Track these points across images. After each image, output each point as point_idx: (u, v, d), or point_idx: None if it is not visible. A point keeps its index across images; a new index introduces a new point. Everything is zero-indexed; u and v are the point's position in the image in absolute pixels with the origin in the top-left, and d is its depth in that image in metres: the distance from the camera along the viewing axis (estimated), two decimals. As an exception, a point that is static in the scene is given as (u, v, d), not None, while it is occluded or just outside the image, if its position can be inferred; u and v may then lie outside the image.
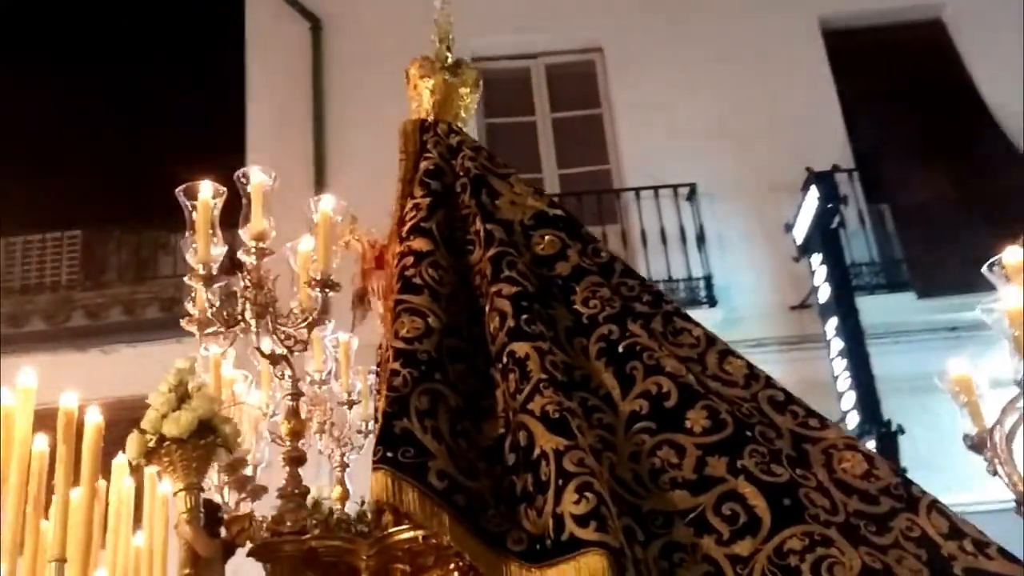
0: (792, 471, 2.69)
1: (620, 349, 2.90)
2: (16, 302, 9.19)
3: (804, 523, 2.58)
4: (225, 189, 2.93)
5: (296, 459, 2.71)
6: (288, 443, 2.74)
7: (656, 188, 10.10)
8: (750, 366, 2.98)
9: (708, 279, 9.88)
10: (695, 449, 2.71)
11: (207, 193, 2.81)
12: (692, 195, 10.15)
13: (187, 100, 10.38)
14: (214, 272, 2.78)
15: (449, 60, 3.55)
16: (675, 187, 10.13)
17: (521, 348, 2.73)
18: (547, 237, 3.16)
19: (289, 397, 2.80)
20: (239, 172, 2.98)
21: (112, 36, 10.88)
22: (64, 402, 2.45)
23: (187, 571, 2.45)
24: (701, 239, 10.05)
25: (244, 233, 2.86)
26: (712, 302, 9.56)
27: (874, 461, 2.77)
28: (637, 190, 10.17)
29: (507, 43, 10.72)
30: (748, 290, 9.95)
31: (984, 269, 2.72)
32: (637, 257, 10.04)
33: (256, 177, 2.92)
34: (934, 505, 2.67)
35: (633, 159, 10.42)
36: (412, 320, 2.73)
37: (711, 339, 3.04)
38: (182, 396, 2.46)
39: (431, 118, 3.45)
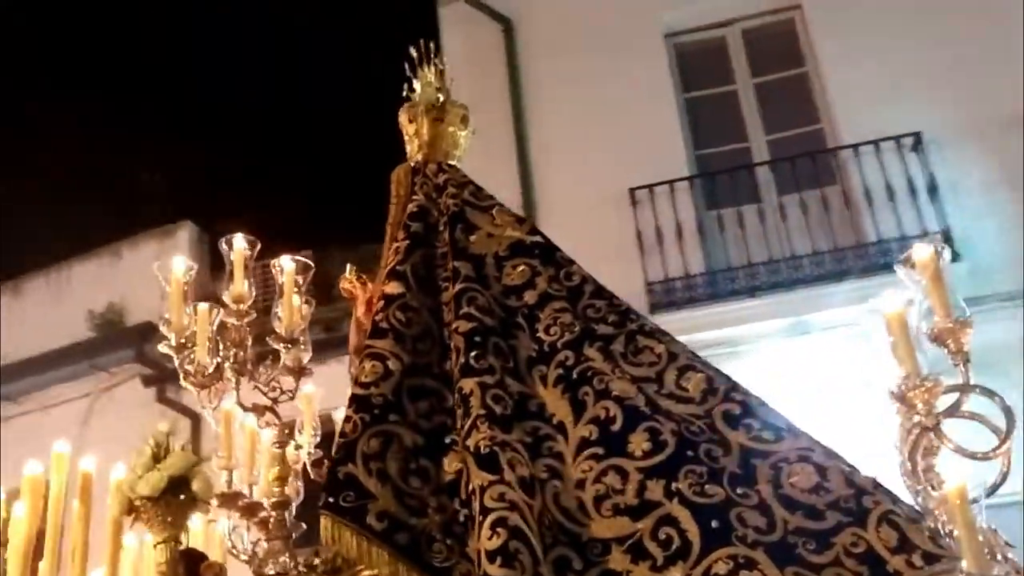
0: (731, 490, 2.77)
1: (574, 375, 3.08)
2: (259, 322, 10.30)
3: (731, 545, 2.66)
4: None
5: (282, 503, 3.11)
6: (276, 488, 3.15)
7: (876, 142, 9.73)
8: (710, 380, 3.06)
9: (946, 232, 9.39)
10: (636, 473, 2.85)
11: (179, 268, 3.28)
12: (918, 145, 9.68)
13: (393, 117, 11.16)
14: (184, 340, 3.22)
15: (436, 102, 3.80)
16: (897, 138, 9.71)
17: (467, 384, 2.98)
18: (519, 268, 3.37)
19: (276, 445, 3.20)
20: (222, 240, 3.43)
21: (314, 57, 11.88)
22: (84, 465, 3.01)
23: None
24: (933, 191, 9.57)
25: (226, 296, 3.29)
26: (954, 257, 9.10)
27: (827, 473, 2.78)
28: (855, 146, 9.84)
29: (700, 13, 10.69)
30: (993, 241, 9.39)
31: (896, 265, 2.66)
32: (863, 217, 9.74)
33: (238, 244, 3.35)
34: (886, 516, 2.65)
35: (847, 114, 10.07)
36: (372, 364, 3.05)
37: (672, 356, 3.14)
38: (158, 457, 2.93)
39: (421, 160, 3.75)
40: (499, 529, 2.63)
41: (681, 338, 9.92)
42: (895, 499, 2.73)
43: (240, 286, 3.26)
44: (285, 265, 3.36)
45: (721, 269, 9.88)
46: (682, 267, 9.79)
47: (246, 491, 3.27)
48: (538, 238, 3.51)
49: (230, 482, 3.25)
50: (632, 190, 9.97)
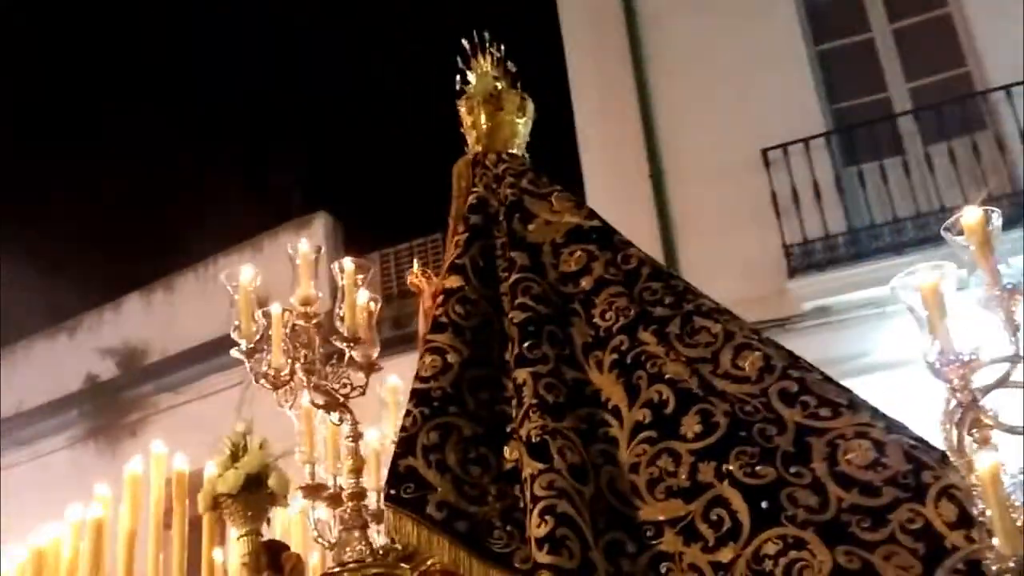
0: (783, 469, 2.80)
1: (628, 360, 3.15)
2: (396, 306, 10.66)
3: (780, 526, 2.70)
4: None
5: (357, 494, 3.30)
6: (351, 479, 3.34)
7: (1032, 82, 9.29)
8: (767, 358, 3.06)
9: (1115, 174, 8.93)
10: (688, 455, 2.91)
11: (247, 276, 3.50)
12: (1080, 82, 9.21)
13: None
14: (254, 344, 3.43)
15: (494, 91, 3.89)
16: (1056, 76, 9.25)
17: (521, 374, 3.09)
18: (575, 254, 3.45)
19: (349, 438, 3.39)
20: (290, 245, 3.63)
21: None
22: (178, 464, 3.28)
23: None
24: (1093, 130, 9.11)
25: (294, 299, 3.49)
26: (1116, 202, 8.69)
27: (885, 448, 2.77)
28: (1008, 88, 9.41)
29: (832, -40, 10.41)
30: None
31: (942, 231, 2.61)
32: (1017, 164, 9.35)
33: (303, 247, 3.54)
34: (946, 491, 2.63)
35: (998, 55, 9.62)
36: (432, 359, 3.20)
37: (729, 335, 3.16)
38: (236, 456, 3.17)
39: (480, 151, 3.86)
40: (547, 517, 2.74)
41: (824, 301, 9.84)
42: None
43: (307, 288, 3.45)
44: (346, 266, 3.51)
45: (864, 227, 9.64)
46: (822, 227, 9.60)
47: (330, 482, 3.46)
48: (596, 222, 3.58)
49: (313, 474, 3.45)
50: (764, 151, 9.81)
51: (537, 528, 2.75)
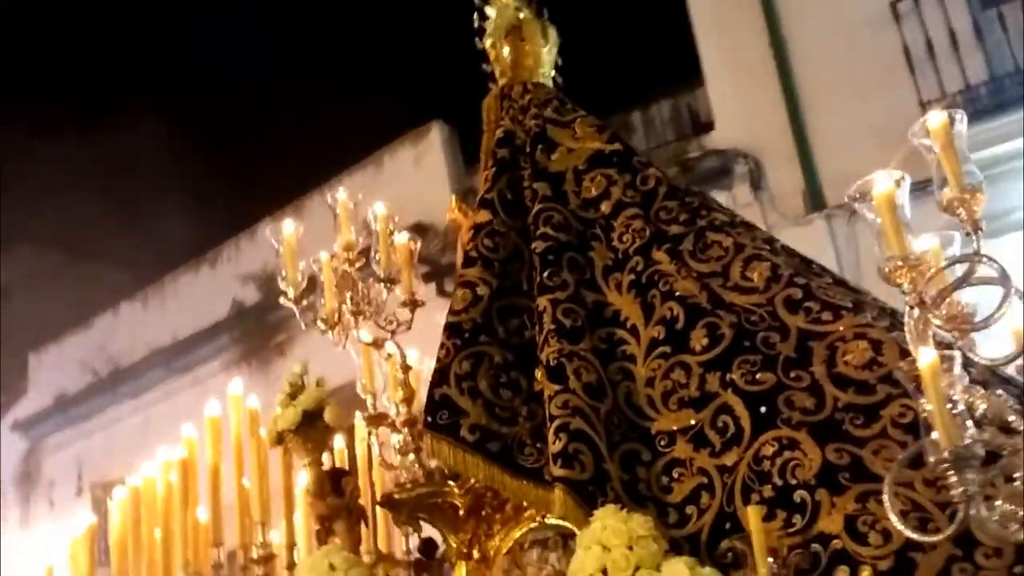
0: (783, 375, 3.05)
1: (643, 280, 3.42)
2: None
3: (776, 428, 2.97)
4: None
5: (409, 422, 3.69)
6: (404, 408, 3.74)
7: None
8: (774, 267, 3.29)
9: None
10: (698, 367, 3.20)
11: (288, 231, 3.90)
12: None
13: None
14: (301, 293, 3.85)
15: (516, 22, 4.12)
16: None
17: (542, 302, 3.42)
18: (596, 179, 3.71)
19: (401, 370, 3.79)
20: (330, 195, 4.01)
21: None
22: (250, 403, 3.78)
23: (316, 527, 3.64)
24: None
25: (336, 246, 3.88)
26: None
27: (882, 347, 2.98)
28: None
29: None
30: None
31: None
32: None
33: (341, 196, 3.92)
34: None
35: None
36: (463, 292, 3.55)
37: (739, 247, 3.38)
38: (293, 394, 3.61)
39: (507, 83, 4.11)
40: (560, 434, 3.10)
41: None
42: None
43: (347, 234, 3.84)
44: (377, 210, 3.87)
45: (1008, 74, 9.37)
46: (961, 80, 9.39)
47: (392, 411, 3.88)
48: (616, 146, 3.83)
49: (374, 405, 3.89)
50: (893, 3, 9.61)
51: (553, 445, 3.11)
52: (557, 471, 3.06)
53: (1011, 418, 2.49)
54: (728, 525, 2.95)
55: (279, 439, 3.62)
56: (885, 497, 2.44)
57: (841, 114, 9.76)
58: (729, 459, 3.04)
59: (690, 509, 3.05)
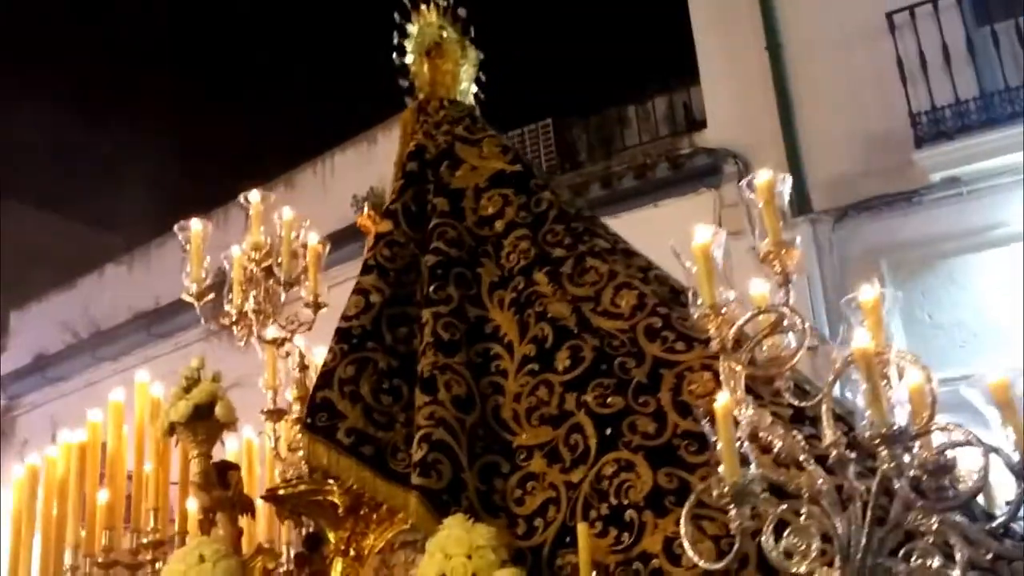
0: (632, 399, 3.33)
1: (522, 299, 3.71)
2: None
3: (617, 450, 3.26)
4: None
5: (301, 419, 3.97)
6: (297, 406, 4.05)
7: None
8: (641, 296, 3.57)
9: None
10: (559, 387, 3.48)
11: (197, 227, 4.19)
12: None
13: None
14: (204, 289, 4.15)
15: (435, 42, 4.41)
16: None
17: (425, 314, 3.70)
18: (493, 198, 3.99)
19: (296, 369, 4.10)
20: (242, 195, 4.31)
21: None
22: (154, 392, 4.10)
23: (199, 517, 3.96)
24: None
25: (245, 245, 4.17)
26: None
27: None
28: None
29: None
30: None
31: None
32: None
33: (253, 197, 4.22)
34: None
35: None
36: (356, 299, 3.84)
37: (613, 274, 3.67)
38: (188, 388, 3.91)
39: (424, 99, 4.40)
40: (423, 443, 3.39)
41: (954, 171, 9.87)
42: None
43: (256, 235, 4.13)
44: (284, 214, 4.17)
45: (997, 91, 9.56)
46: (951, 93, 9.58)
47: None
48: (518, 167, 4.12)
49: (274, 399, 4.20)
50: (889, 15, 9.78)
51: (415, 454, 3.41)
52: (415, 479, 3.36)
53: (801, 457, 2.77)
54: (568, 539, 3.23)
55: (171, 430, 3.92)
56: (682, 523, 2.74)
57: (832, 120, 10.03)
58: (576, 476, 3.32)
59: (538, 521, 3.33)
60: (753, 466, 2.67)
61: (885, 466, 2.54)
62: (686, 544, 2.70)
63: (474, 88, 4.62)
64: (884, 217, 9.71)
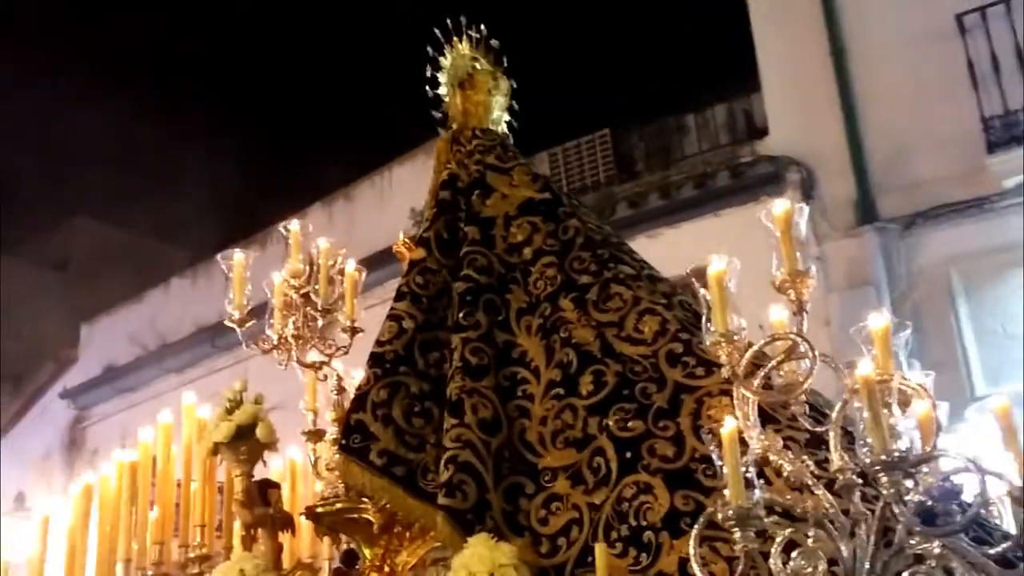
0: (652, 424, 3.48)
1: (549, 325, 3.88)
2: (568, 205, 11.52)
3: (637, 473, 3.41)
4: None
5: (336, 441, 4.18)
6: (334, 428, 4.25)
7: None
8: (664, 322, 3.71)
9: None
10: (583, 411, 3.64)
11: (239, 257, 4.42)
12: None
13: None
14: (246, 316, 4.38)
15: (466, 74, 4.61)
16: None
17: (455, 340, 3.88)
18: (522, 225, 4.17)
19: (334, 392, 4.31)
20: (282, 225, 4.52)
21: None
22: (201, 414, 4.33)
23: (243, 533, 4.17)
24: None
25: (285, 272, 4.39)
26: None
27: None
28: None
29: None
30: None
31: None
32: None
33: (293, 227, 4.43)
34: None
35: None
36: (390, 325, 4.03)
37: (636, 300, 3.82)
38: (231, 409, 4.13)
39: (457, 129, 4.59)
40: (449, 465, 3.57)
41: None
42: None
43: (296, 263, 4.35)
44: (320, 244, 4.38)
45: (1072, 94, 9.51)
46: (1024, 97, 9.54)
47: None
48: (547, 195, 4.30)
49: (315, 421, 4.42)
50: (959, 16, 9.77)
51: (442, 474, 3.59)
52: (441, 499, 3.54)
53: (809, 481, 2.90)
54: (590, 559, 3.37)
55: (215, 450, 4.15)
56: (691, 545, 2.88)
57: (899, 125, 9.99)
58: (598, 498, 3.48)
59: (561, 540, 3.49)
60: (758, 491, 2.79)
61: (886, 492, 2.65)
62: (695, 566, 2.83)
63: (506, 117, 4.78)
64: (954, 225, 9.62)
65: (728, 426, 2.83)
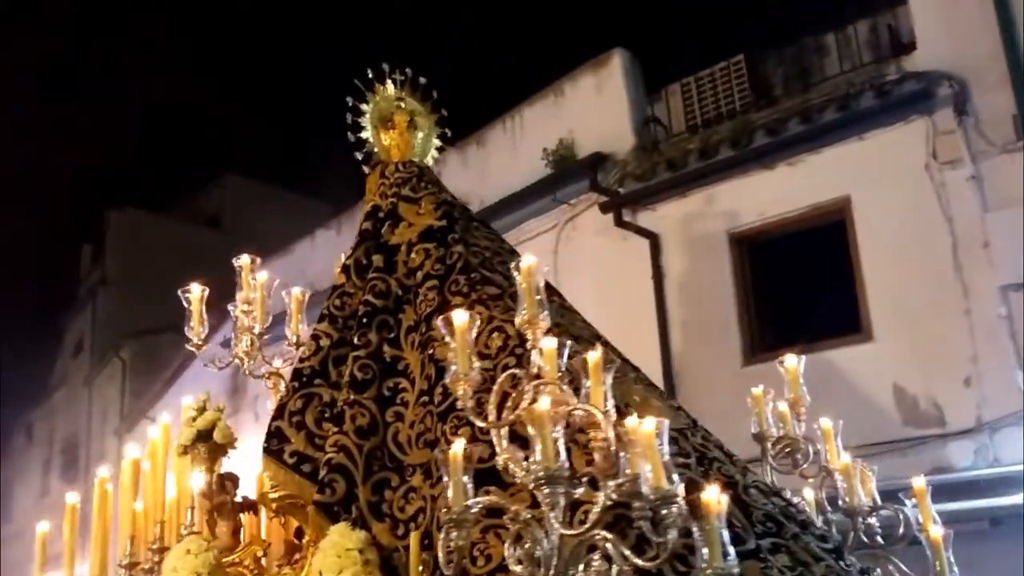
0: (477, 431, 4.88)
1: (423, 341, 5.28)
2: (703, 136, 12.41)
3: None
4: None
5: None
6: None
7: None
8: (507, 338, 4.98)
9: None
10: (436, 418, 5.07)
11: (196, 291, 6.02)
12: None
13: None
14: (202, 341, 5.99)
15: (388, 114, 6.04)
16: None
17: (348, 358, 5.41)
18: (419, 250, 5.54)
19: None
20: (234, 259, 6.10)
21: None
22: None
23: (206, 518, 5.80)
24: None
25: (238, 300, 5.99)
26: None
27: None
28: None
29: None
30: None
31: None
32: None
33: (244, 259, 6.00)
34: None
35: None
36: (310, 344, 5.53)
37: (491, 319, 5.09)
38: (195, 417, 5.77)
39: (383, 163, 6.03)
40: (325, 466, 5.09)
41: None
42: None
43: (247, 292, 5.94)
44: (294, 291, 6.00)
45: None
46: None
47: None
48: (443, 222, 5.68)
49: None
50: None
51: (320, 475, 5.13)
52: (315, 496, 5.08)
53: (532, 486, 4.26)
54: (427, 542, 4.85)
55: (184, 451, 5.85)
56: (440, 537, 4.30)
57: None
58: (437, 491, 4.92)
59: (411, 525, 4.95)
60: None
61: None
62: (440, 556, 4.19)
63: (436, 143, 6.21)
64: (1118, 139, 9.80)
65: (455, 447, 4.20)
